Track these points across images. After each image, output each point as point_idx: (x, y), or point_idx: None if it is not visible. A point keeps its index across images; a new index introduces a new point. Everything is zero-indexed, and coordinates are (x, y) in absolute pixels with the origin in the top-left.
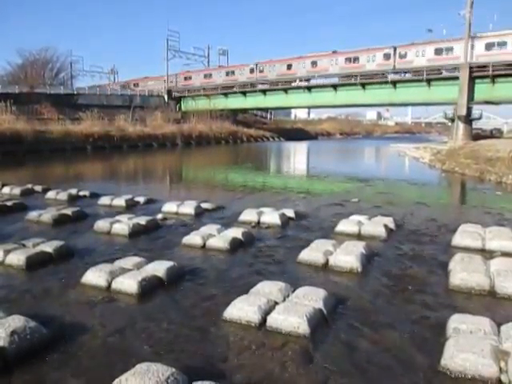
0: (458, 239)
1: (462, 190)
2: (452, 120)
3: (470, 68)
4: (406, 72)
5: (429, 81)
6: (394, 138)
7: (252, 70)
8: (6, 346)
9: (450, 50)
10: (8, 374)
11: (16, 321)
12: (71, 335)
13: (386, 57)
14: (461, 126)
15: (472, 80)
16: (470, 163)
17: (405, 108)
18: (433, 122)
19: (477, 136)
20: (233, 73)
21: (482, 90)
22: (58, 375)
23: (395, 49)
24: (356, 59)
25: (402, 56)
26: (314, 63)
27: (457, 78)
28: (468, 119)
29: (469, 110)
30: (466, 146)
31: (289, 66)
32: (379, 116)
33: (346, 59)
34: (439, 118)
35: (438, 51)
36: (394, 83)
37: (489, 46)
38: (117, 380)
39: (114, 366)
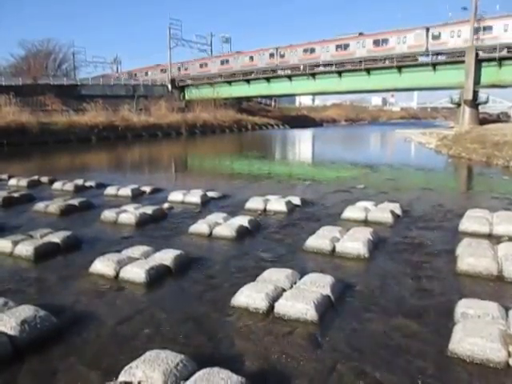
0: (466, 224)
1: (469, 174)
2: (458, 104)
3: (477, 51)
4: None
5: (434, 65)
6: (399, 124)
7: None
8: (17, 334)
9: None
10: (19, 363)
11: (26, 310)
12: (80, 324)
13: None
14: (467, 111)
15: (478, 63)
16: (476, 148)
17: (410, 93)
18: (439, 107)
19: (483, 120)
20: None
21: (489, 73)
22: (68, 363)
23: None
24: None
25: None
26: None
27: (463, 62)
28: (474, 103)
29: (475, 94)
30: (472, 131)
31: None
32: (384, 102)
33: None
34: (445, 103)
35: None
36: (399, 68)
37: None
38: (126, 367)
39: (123, 354)
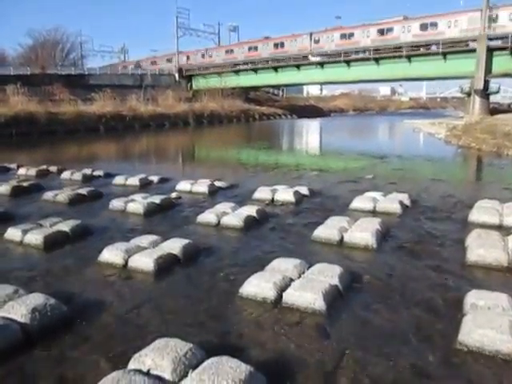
0: (475, 215)
1: (479, 165)
2: (468, 94)
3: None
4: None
5: (445, 54)
6: (408, 114)
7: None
8: (28, 322)
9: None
10: (31, 350)
11: (36, 298)
12: (90, 312)
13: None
14: (477, 101)
15: (490, 52)
16: (486, 138)
17: (419, 83)
18: (448, 97)
19: (494, 110)
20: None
21: (501, 62)
22: (78, 351)
23: None
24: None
25: None
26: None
27: (474, 51)
28: (485, 93)
29: (486, 83)
30: (482, 121)
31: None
32: (393, 91)
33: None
34: (455, 93)
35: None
36: (409, 57)
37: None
38: (136, 355)
39: (132, 342)
